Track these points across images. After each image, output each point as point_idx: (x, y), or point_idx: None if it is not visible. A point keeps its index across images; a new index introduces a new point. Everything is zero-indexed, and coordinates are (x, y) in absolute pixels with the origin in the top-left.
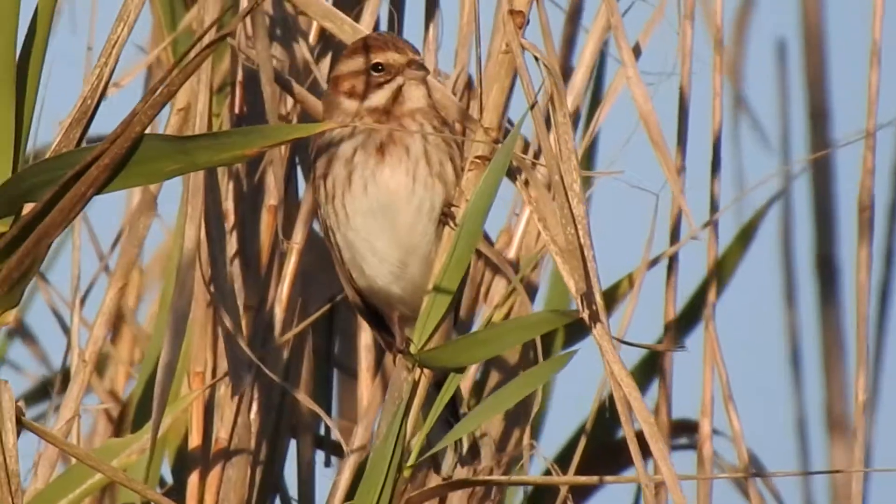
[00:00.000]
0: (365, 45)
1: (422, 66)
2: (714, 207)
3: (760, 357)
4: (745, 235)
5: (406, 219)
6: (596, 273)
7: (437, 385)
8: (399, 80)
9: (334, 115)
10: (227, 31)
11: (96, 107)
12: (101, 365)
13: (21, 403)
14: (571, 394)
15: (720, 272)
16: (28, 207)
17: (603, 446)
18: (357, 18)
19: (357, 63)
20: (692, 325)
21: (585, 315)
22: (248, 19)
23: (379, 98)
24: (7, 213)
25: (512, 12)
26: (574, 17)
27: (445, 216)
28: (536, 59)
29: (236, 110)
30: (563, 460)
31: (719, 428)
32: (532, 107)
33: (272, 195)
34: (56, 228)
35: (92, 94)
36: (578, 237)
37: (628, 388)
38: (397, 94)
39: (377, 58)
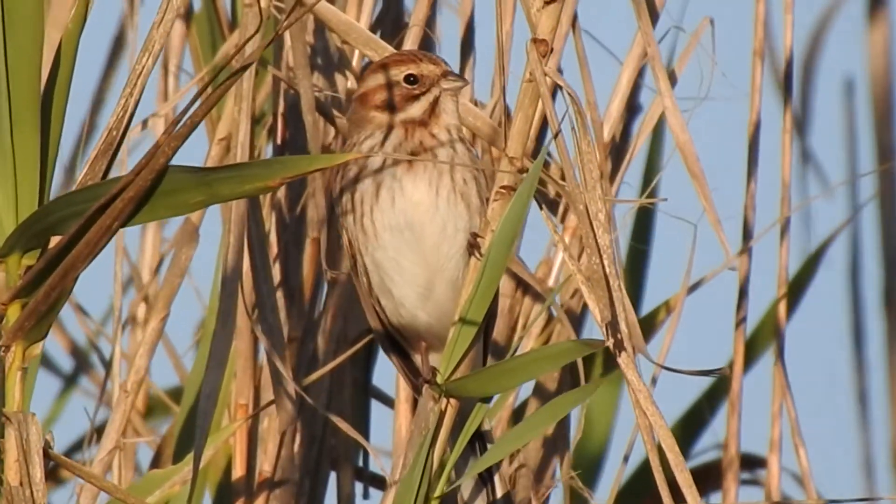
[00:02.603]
0: (395, 59)
1: (459, 77)
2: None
3: (826, 393)
4: (810, 267)
5: (431, 237)
6: (622, 302)
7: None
8: (435, 91)
9: (365, 129)
10: (250, 62)
11: (122, 138)
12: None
13: (49, 436)
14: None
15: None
16: (55, 240)
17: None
18: (398, 47)
19: (388, 76)
20: (759, 358)
21: (610, 343)
22: (289, 49)
23: (416, 110)
24: (34, 245)
25: (535, 41)
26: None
27: (472, 246)
28: (560, 87)
29: (278, 141)
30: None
31: (786, 465)
32: (556, 136)
33: (314, 227)
34: (83, 261)
35: (117, 125)
36: (604, 266)
37: (653, 416)
38: (434, 106)
39: (410, 69)
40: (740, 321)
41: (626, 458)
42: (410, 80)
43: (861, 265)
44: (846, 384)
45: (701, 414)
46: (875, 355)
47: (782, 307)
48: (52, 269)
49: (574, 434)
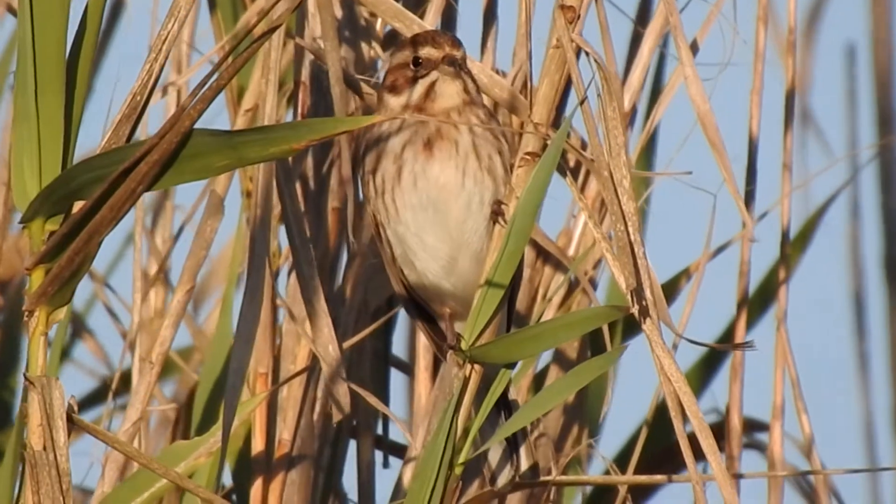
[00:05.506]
0: (412, 41)
1: (453, 62)
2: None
3: (826, 357)
4: (808, 231)
5: (456, 214)
6: (647, 269)
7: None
8: (433, 75)
9: (380, 112)
10: (277, 25)
11: (146, 103)
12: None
13: (73, 401)
14: (635, 393)
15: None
16: (78, 205)
17: (665, 445)
18: (421, 17)
19: (403, 57)
20: (756, 323)
21: (635, 310)
22: (312, 18)
23: (413, 94)
24: (57, 211)
25: (563, 7)
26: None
27: (495, 214)
28: (587, 54)
29: (299, 110)
30: (623, 460)
31: (787, 429)
32: (582, 102)
33: (335, 197)
34: (106, 226)
35: (142, 90)
36: (628, 233)
37: (678, 382)
38: (429, 91)
39: (417, 52)
40: (742, 286)
41: (648, 424)
42: (417, 62)
43: (861, 228)
44: (846, 349)
45: (699, 377)
46: (875, 319)
47: (782, 270)
48: (75, 235)
49: (605, 403)
